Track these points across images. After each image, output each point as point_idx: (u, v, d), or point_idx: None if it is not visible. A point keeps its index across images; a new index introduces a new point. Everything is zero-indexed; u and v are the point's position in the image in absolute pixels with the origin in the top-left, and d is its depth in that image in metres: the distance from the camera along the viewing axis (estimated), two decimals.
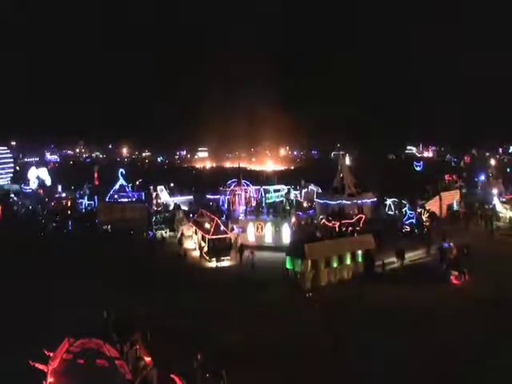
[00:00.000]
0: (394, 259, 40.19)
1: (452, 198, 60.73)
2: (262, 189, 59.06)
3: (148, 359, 17.66)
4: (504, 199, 57.13)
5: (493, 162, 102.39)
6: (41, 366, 17.01)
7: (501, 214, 55.36)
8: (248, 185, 61.04)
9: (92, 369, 16.32)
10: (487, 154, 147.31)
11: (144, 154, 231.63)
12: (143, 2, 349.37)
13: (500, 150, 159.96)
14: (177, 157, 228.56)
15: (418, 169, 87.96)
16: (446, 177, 72.04)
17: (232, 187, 60.36)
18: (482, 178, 72.90)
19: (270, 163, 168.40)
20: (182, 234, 51.01)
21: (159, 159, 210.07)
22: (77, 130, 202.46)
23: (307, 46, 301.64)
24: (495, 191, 59.67)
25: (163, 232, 53.17)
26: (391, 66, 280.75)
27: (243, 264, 41.46)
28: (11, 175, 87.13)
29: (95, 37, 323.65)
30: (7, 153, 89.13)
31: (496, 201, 57.24)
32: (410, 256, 41.45)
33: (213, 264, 42.15)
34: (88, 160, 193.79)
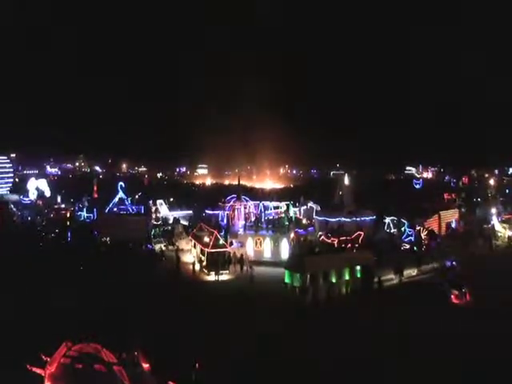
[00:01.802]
0: (392, 276, 40.21)
1: (451, 216, 60.87)
2: (261, 204, 59.06)
3: (146, 366, 17.55)
4: (503, 218, 57.37)
5: (492, 182, 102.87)
6: (38, 370, 16.89)
7: (499, 234, 55.67)
8: (247, 200, 61.02)
9: (89, 374, 16.18)
10: (486, 175, 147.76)
11: (140, 170, 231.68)
12: (142, 11, 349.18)
13: (496, 171, 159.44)
14: (176, 173, 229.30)
15: (417, 186, 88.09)
16: (445, 195, 72.24)
17: (231, 202, 60.29)
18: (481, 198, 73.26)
19: (269, 181, 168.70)
20: (178, 249, 51.13)
21: (159, 175, 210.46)
22: (77, 144, 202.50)
23: (308, 66, 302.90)
24: (494, 211, 59.78)
25: (162, 245, 53.22)
26: (393, 87, 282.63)
27: (242, 277, 41.42)
28: (10, 185, 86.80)
29: (95, 51, 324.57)
30: (7, 162, 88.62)
31: (495, 220, 57.44)
32: (408, 273, 41.51)
33: (212, 277, 42.07)
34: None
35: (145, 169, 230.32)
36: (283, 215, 56.45)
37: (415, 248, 49.49)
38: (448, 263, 37.45)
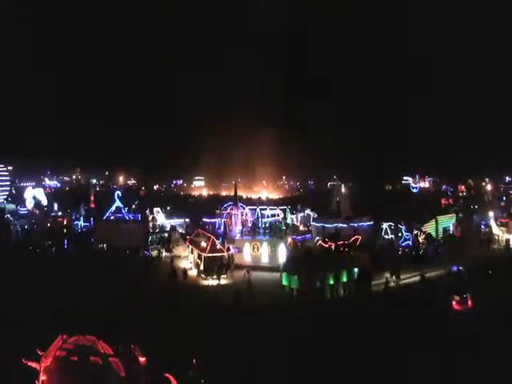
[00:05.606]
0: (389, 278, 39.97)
1: (448, 221, 60.82)
2: (258, 209, 59.12)
3: (143, 359, 17.37)
4: (500, 222, 57.32)
5: (489, 187, 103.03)
6: (33, 364, 16.71)
7: (497, 237, 55.64)
8: (244, 207, 61.10)
9: (85, 366, 16.03)
10: (483, 183, 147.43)
11: (130, 183, 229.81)
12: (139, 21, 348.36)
13: (487, 179, 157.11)
14: (173, 185, 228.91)
15: (414, 190, 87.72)
16: (443, 201, 72.10)
17: (228, 210, 60.39)
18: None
19: (266, 192, 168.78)
20: (175, 255, 51.33)
21: (155, 187, 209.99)
22: (75, 156, 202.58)
23: (306, 81, 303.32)
24: (492, 214, 59.70)
25: (159, 252, 53.23)
26: (390, 99, 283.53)
27: (239, 281, 41.32)
28: (7, 193, 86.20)
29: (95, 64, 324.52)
30: (3, 171, 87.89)
31: (493, 224, 57.39)
32: (405, 276, 41.35)
33: (211, 282, 41.94)
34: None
35: (134, 181, 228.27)
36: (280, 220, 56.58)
37: (413, 252, 49.53)
38: (454, 268, 36.65)
